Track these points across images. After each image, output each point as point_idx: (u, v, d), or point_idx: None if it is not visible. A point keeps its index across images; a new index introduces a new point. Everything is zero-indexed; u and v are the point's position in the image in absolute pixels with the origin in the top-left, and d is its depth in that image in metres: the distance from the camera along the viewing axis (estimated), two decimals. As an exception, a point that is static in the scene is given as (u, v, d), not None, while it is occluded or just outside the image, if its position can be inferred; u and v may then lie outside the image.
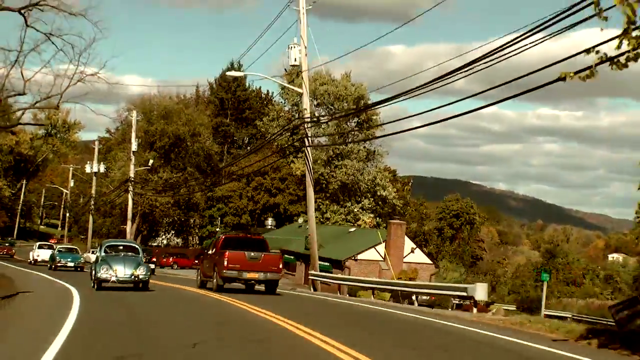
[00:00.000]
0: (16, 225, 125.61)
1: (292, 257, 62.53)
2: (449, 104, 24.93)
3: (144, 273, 27.60)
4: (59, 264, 50.64)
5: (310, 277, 35.58)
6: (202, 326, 15.06)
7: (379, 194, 78.77)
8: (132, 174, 65.51)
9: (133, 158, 65.25)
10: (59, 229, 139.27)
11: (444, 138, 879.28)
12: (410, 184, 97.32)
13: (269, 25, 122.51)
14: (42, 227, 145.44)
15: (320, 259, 49.12)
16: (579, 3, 16.26)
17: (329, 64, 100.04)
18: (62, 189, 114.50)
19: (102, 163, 79.82)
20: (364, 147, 79.19)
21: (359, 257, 56.42)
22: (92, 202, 79.79)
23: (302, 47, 34.60)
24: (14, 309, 18.69)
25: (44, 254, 60.78)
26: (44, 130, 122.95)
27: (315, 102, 79.58)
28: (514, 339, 16.31)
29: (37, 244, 69.05)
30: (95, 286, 27.32)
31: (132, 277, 27.25)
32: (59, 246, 59.81)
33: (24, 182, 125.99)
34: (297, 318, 16.51)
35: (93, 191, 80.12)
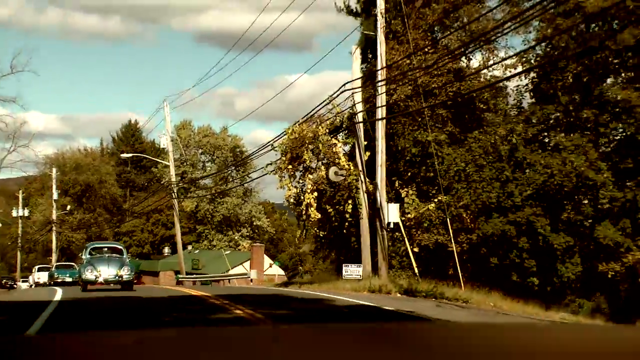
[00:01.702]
0: None
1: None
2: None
3: (128, 273, 29.73)
4: (57, 279, 54.44)
5: (180, 278, 59.83)
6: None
7: (255, 223, 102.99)
8: (54, 217, 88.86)
9: (54, 204, 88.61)
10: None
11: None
12: (286, 214, 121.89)
13: (149, 118, 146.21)
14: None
15: (201, 274, 73.62)
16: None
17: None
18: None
19: (25, 208, 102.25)
20: (242, 186, 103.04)
21: (231, 272, 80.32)
22: (19, 241, 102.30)
23: (168, 137, 59.21)
24: (19, 292, 39.24)
25: (44, 276, 65.28)
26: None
27: (200, 151, 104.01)
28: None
29: (37, 267, 75.99)
30: (82, 288, 29.90)
31: (117, 277, 29.31)
32: (56, 264, 67.85)
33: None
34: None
35: (19, 231, 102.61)
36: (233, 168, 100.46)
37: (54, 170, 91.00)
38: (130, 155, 73.82)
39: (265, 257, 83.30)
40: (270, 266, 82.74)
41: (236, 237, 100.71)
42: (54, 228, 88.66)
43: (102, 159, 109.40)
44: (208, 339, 2.78)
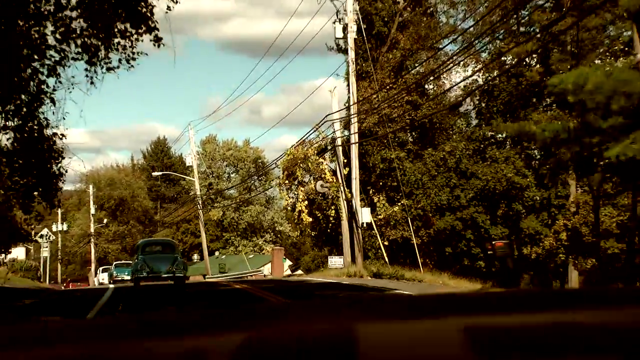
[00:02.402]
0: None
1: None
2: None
3: (180, 269, 30.49)
4: (116, 278, 59.02)
5: (205, 278, 70.52)
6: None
7: (277, 229, 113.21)
8: (92, 230, 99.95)
9: (92, 219, 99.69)
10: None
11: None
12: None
13: (176, 139, 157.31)
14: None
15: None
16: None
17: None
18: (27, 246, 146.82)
19: (64, 223, 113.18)
20: (264, 194, 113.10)
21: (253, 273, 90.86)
22: (59, 254, 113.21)
23: (194, 157, 70.01)
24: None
25: (106, 277, 69.97)
26: None
27: (224, 163, 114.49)
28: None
29: (101, 268, 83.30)
30: (135, 285, 31.25)
31: (169, 273, 30.05)
32: (115, 263, 72.37)
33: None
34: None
35: (59, 245, 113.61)
36: (255, 178, 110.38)
37: (91, 187, 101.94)
38: (160, 173, 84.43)
39: (286, 259, 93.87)
40: (290, 268, 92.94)
41: (260, 242, 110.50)
42: (92, 240, 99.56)
43: (134, 174, 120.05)
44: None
